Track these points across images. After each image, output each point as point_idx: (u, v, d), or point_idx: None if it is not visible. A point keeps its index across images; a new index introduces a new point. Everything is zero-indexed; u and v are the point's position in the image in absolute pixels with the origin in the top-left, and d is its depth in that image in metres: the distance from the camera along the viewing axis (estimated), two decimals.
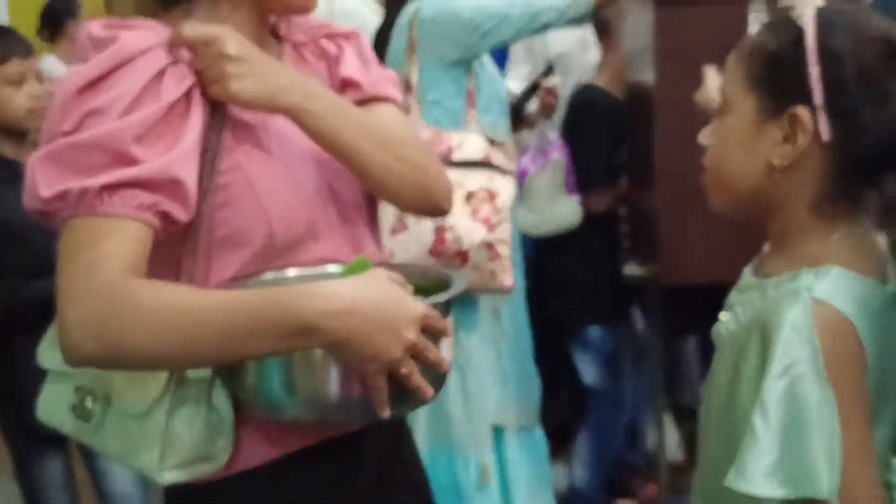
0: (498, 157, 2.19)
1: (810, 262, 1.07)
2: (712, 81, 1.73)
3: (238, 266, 1.17)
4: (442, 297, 1.13)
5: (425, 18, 2.27)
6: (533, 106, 2.94)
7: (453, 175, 1.89)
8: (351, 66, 1.31)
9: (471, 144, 2.17)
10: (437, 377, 1.13)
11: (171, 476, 1.14)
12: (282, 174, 1.19)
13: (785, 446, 1.01)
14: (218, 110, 1.16)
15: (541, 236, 2.84)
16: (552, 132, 2.86)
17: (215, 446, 1.15)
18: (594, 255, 2.81)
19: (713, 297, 1.36)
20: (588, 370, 2.87)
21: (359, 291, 1.07)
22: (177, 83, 1.11)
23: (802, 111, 1.05)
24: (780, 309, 1.04)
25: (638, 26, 2.21)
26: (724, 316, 1.18)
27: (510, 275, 2.18)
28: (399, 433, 1.34)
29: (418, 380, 1.09)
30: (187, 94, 1.12)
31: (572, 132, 2.86)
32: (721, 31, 1.89)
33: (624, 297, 2.86)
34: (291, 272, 1.19)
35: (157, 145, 1.08)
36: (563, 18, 2.29)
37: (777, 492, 1.00)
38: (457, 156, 2.15)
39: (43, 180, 1.07)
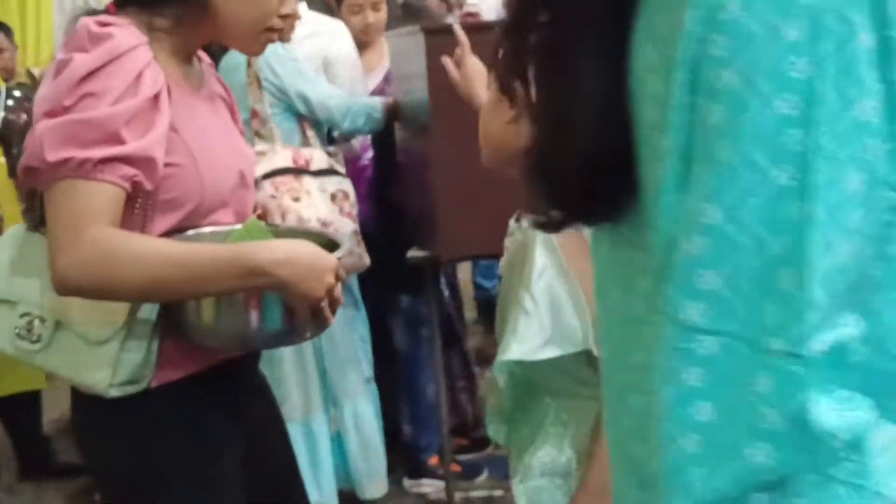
0: (336, 165, 2.71)
1: None
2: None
3: (170, 224, 1.38)
4: (340, 253, 1.42)
5: (267, 76, 2.68)
6: None
7: (316, 182, 2.55)
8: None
9: (319, 157, 2.67)
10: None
11: (114, 392, 1.36)
12: (216, 154, 1.44)
13: (552, 323, 1.40)
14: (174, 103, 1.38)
15: None
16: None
17: (144, 373, 1.39)
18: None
19: None
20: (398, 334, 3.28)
21: (293, 248, 1.35)
22: (153, 81, 1.33)
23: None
24: (535, 234, 1.49)
25: (411, 51, 2.69)
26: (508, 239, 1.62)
27: (367, 255, 2.70)
28: (256, 358, 1.63)
29: (328, 312, 1.39)
30: (160, 91, 1.34)
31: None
32: (478, 51, 2.42)
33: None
34: (206, 230, 1.43)
35: (138, 129, 1.30)
36: (364, 130, 2.94)
37: (555, 353, 1.39)
38: (313, 167, 2.63)
39: (49, 146, 1.27)
